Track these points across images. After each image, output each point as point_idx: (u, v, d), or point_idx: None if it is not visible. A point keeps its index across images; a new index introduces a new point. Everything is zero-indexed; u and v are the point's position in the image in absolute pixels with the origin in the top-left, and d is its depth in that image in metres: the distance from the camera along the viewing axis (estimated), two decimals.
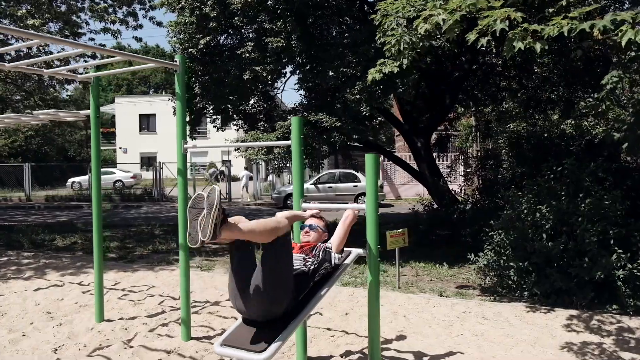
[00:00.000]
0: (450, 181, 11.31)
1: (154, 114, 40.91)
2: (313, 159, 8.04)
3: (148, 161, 36.65)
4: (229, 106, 9.11)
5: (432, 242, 9.80)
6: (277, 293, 2.91)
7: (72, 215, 17.40)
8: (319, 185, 18.84)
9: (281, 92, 10.12)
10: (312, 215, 3.81)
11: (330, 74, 7.60)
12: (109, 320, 5.35)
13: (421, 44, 5.01)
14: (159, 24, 12.50)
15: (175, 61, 4.60)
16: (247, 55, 7.85)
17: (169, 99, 11.17)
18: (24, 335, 4.94)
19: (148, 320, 5.38)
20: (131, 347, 4.60)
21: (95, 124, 5.17)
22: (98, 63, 5.10)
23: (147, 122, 41.68)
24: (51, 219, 16.24)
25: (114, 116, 42.69)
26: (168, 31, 9.13)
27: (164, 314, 5.62)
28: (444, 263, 7.93)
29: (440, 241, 9.79)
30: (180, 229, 4.81)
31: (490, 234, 6.55)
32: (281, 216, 3.84)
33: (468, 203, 9.83)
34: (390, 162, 20.06)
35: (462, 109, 14.44)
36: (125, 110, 40.97)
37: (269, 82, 8.53)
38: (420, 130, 11.21)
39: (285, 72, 8.51)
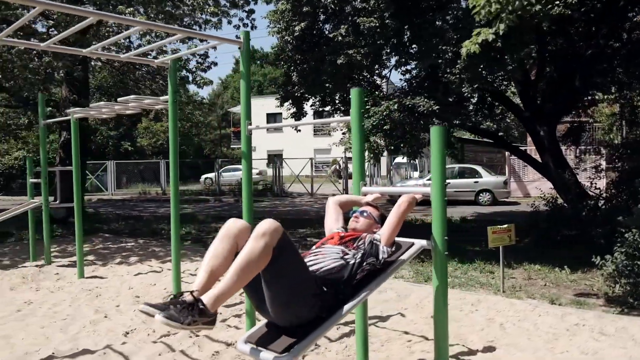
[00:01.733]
0: (577, 174, 9.83)
1: (280, 113, 42.38)
2: (411, 147, 7.40)
3: (274, 158, 38.16)
4: (326, 95, 8.79)
5: (556, 242, 8.57)
6: (296, 302, 2.45)
7: (198, 208, 18.48)
8: None
9: (386, 79, 9.54)
10: (368, 203, 3.30)
11: (429, 53, 6.90)
12: None
13: (517, 2, 4.21)
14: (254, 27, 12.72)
15: (239, 38, 4.35)
16: (340, 38, 7.45)
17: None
18: (105, 317, 5.07)
19: (224, 309, 5.23)
20: (197, 336, 4.46)
21: (173, 109, 5.13)
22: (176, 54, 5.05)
23: (274, 121, 43.36)
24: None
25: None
26: (269, 23, 9.08)
27: (242, 304, 5.44)
28: (565, 266, 6.81)
29: (565, 242, 8.52)
30: (245, 215, 4.57)
31: (623, 233, 5.43)
32: (332, 201, 3.39)
33: (601, 199, 8.44)
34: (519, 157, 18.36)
35: (602, 94, 12.57)
36: (254, 111, 42.74)
37: (366, 66, 8.01)
38: (543, 118, 9.90)
39: (382, 54, 7.96)
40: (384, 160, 25.08)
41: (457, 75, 6.60)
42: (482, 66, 6.55)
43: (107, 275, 6.99)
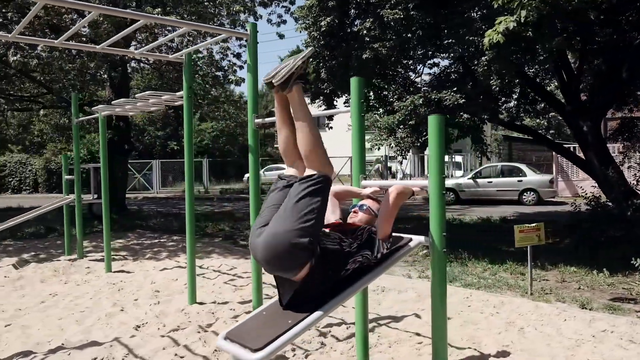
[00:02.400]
0: (623, 171, 9.22)
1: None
2: None
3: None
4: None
5: (599, 243, 8.07)
6: (291, 231, 2.37)
7: (238, 206, 18.68)
8: (478, 180, 17.27)
9: (414, 73, 9.27)
10: (369, 196, 3.15)
11: (456, 45, 6.63)
12: (200, 303, 5.30)
13: None
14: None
15: (246, 29, 4.29)
16: (366, 32, 7.28)
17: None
18: (121, 310, 5.13)
19: (237, 306, 5.20)
20: (205, 331, 4.44)
21: (188, 105, 5.13)
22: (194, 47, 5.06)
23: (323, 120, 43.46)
24: (218, 209, 17.62)
25: None
26: (296, 19, 9.02)
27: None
28: (604, 269, 6.39)
29: (609, 243, 8.01)
30: (252, 216, 4.51)
31: None
32: (332, 191, 3.26)
33: None
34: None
35: None
36: None
37: (392, 61, 7.80)
38: (587, 112, 9.36)
39: (408, 48, 7.71)
40: (426, 158, 24.60)
41: (485, 67, 6.31)
42: (512, 57, 6.24)
43: (134, 270, 7.12)
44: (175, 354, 3.90)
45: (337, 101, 10.53)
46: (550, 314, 4.68)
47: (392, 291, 5.73)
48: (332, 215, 3.13)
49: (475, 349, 3.89)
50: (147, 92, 5.23)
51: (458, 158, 21.00)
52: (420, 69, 8.19)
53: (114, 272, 7.01)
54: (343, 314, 4.81)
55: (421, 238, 3.03)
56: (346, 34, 8.38)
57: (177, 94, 5.38)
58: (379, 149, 7.87)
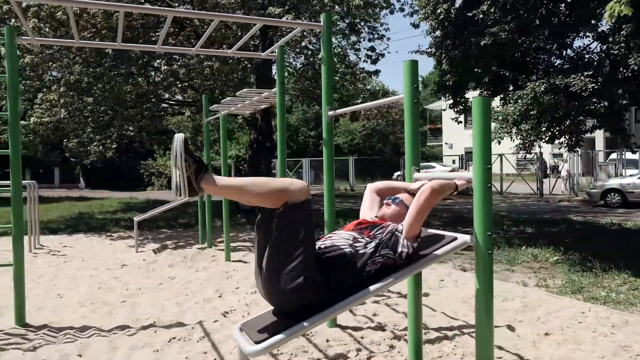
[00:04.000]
0: None
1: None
2: (570, 134, 6.28)
3: (471, 156, 36.47)
4: (480, 82, 8.02)
5: None
6: (282, 276, 2.27)
7: None
8: None
9: (539, 55, 8.19)
10: (407, 191, 2.88)
11: (587, 21, 5.75)
12: None
13: None
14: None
15: (320, 21, 4.23)
16: (482, 16, 6.70)
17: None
18: (219, 297, 5.45)
19: None
20: None
21: (281, 100, 5.24)
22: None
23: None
24: (357, 206, 17.79)
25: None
26: (417, 10, 8.69)
27: None
28: None
29: None
30: (327, 208, 4.44)
31: None
32: (369, 188, 3.08)
33: None
34: None
35: None
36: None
37: (513, 45, 7.01)
38: None
39: (531, 29, 6.84)
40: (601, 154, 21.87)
41: (622, 45, 5.37)
42: None
43: (250, 261, 7.51)
44: None
45: (467, 93, 9.90)
46: None
47: (496, 298, 5.11)
48: (369, 211, 2.95)
49: None
50: (244, 90, 5.46)
51: (631, 155, 18.18)
52: (546, 53, 7.22)
53: (233, 261, 7.48)
54: (427, 318, 4.49)
55: (467, 237, 2.68)
56: (465, 20, 7.81)
57: (272, 90, 5.53)
58: (499, 142, 7.14)
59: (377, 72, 14.21)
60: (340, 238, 2.53)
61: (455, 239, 2.72)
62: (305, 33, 11.85)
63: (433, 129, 44.23)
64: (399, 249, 2.50)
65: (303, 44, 13.55)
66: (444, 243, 2.70)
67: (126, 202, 20.79)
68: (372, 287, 2.43)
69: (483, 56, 7.20)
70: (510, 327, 4.26)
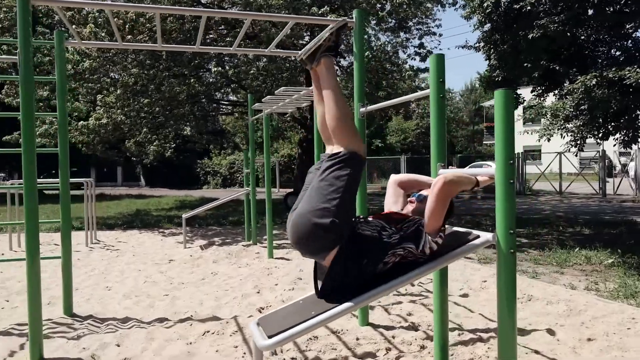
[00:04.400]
0: None
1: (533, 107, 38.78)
2: (627, 130, 5.92)
3: (531, 155, 35.06)
4: (531, 77, 7.71)
5: None
6: (314, 210, 2.32)
7: None
8: None
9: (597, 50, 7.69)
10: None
11: None
12: None
13: None
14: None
15: (352, 17, 4.20)
16: (530, 8, 6.42)
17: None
18: (257, 292, 5.53)
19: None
20: None
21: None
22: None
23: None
24: None
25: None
26: (464, 6, 8.47)
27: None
28: None
29: None
30: (359, 204, 4.38)
31: None
32: (392, 179, 3.05)
33: None
34: None
35: None
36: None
37: (565, 36, 6.67)
38: None
39: (583, 19, 6.46)
40: None
41: None
42: None
43: (292, 259, 7.57)
44: None
45: (520, 90, 9.54)
46: None
47: (539, 301, 4.98)
48: (393, 205, 2.90)
49: None
50: (282, 88, 5.50)
51: None
52: (605, 45, 6.78)
53: (275, 258, 7.56)
54: (464, 320, 4.37)
55: (489, 235, 2.58)
56: (514, 12, 7.52)
57: (310, 88, 5.53)
58: (548, 140, 6.79)
59: (427, 70, 13.98)
60: (372, 221, 2.53)
61: (478, 237, 2.63)
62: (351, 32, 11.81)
63: (489, 127, 42.93)
64: (422, 245, 2.45)
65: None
66: (465, 240, 2.61)
67: (182, 199, 21.51)
68: (398, 279, 2.40)
69: (532, 50, 6.90)
70: (550, 331, 4.06)
